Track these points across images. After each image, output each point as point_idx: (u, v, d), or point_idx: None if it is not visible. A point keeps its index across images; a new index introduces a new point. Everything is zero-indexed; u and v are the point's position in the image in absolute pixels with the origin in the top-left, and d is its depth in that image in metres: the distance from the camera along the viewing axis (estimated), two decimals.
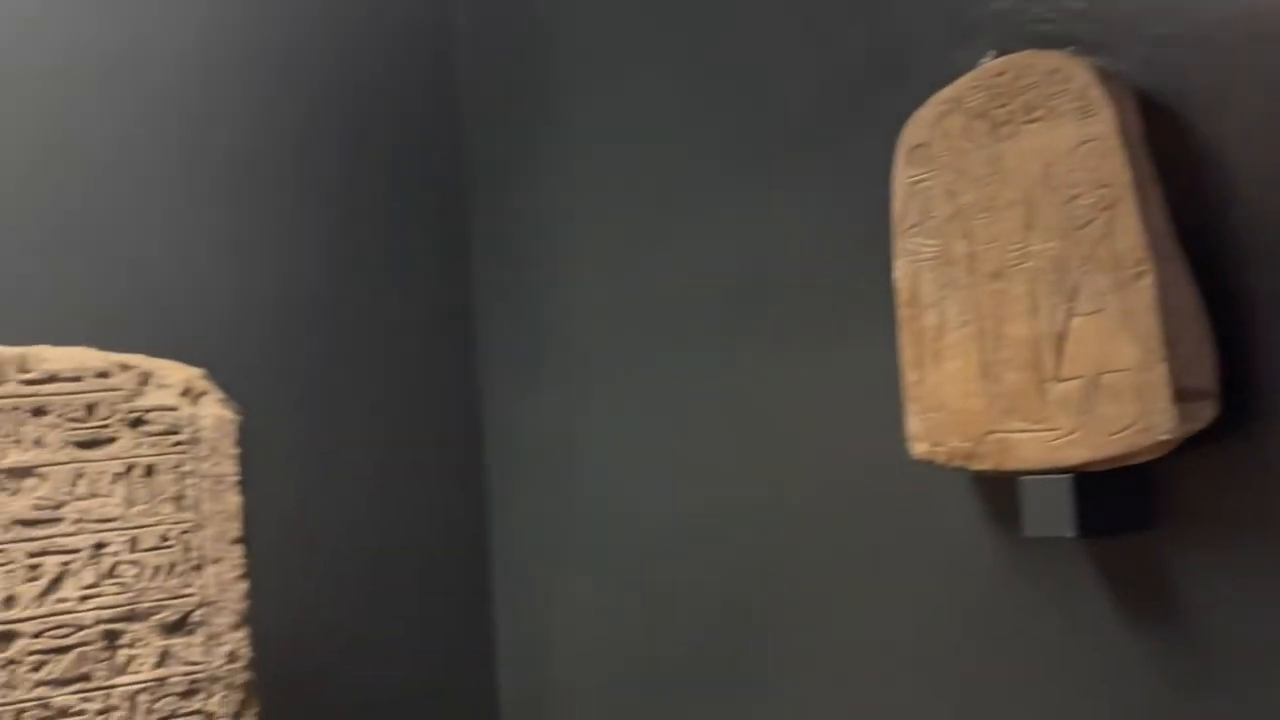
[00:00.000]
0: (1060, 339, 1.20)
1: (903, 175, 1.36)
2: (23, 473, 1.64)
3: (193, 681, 1.71)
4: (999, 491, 1.30)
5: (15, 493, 1.64)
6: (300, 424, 2.12)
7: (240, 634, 1.74)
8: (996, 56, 1.29)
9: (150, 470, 1.72)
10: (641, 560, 1.92)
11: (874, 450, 1.44)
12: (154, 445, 1.73)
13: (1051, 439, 1.21)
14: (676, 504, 1.83)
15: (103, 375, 1.71)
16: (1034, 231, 1.23)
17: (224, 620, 1.73)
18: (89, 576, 1.66)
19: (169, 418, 1.74)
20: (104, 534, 1.68)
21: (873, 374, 1.45)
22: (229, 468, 1.76)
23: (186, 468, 1.74)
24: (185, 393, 1.76)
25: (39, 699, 1.61)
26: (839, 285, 1.53)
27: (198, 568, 1.73)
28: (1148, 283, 1.14)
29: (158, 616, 1.69)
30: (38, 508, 1.64)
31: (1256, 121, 1.12)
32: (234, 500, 1.76)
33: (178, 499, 1.73)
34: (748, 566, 1.69)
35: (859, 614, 1.51)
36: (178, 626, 1.70)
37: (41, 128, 1.98)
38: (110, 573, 1.67)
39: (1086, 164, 1.18)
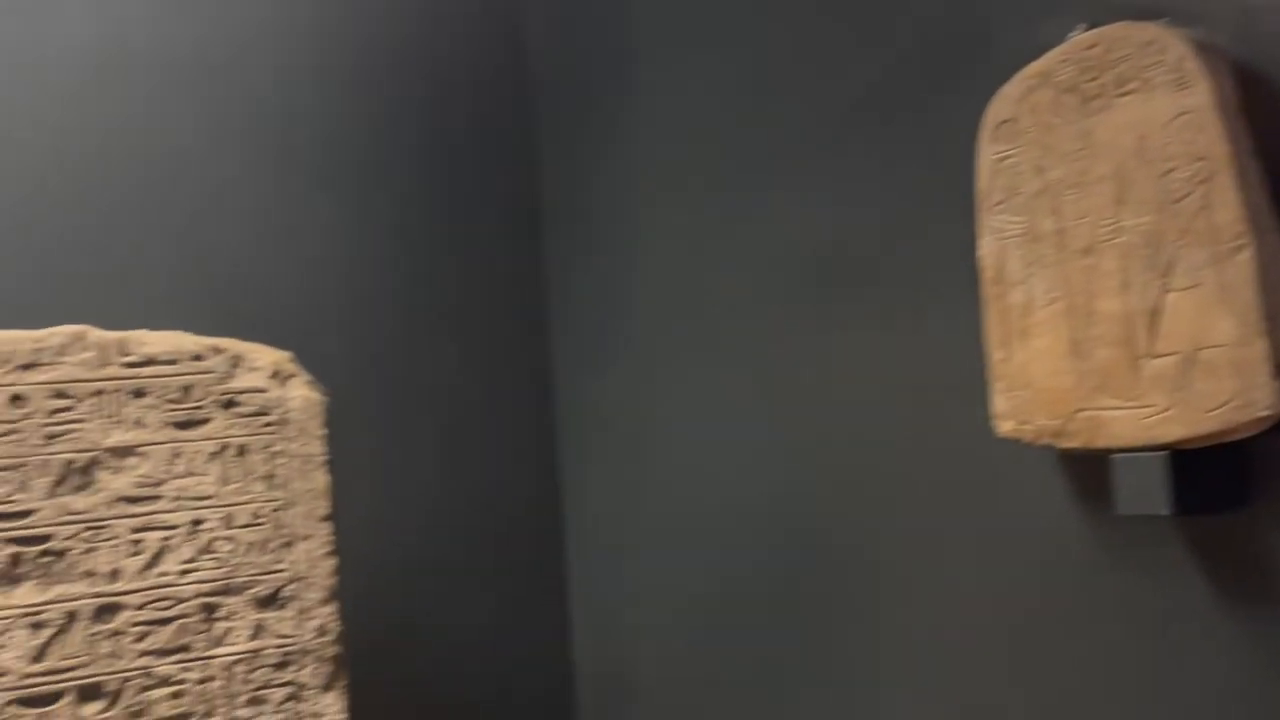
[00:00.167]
0: (1154, 314, 1.19)
1: (988, 152, 1.35)
2: (125, 452, 1.71)
3: (285, 654, 1.76)
4: (1088, 469, 1.29)
5: (118, 471, 1.70)
6: (378, 404, 2.18)
7: (329, 609, 1.79)
8: (1086, 29, 1.28)
9: (242, 450, 1.77)
10: (716, 537, 1.93)
11: (957, 429, 1.44)
12: (245, 426, 1.78)
13: (1145, 416, 1.19)
14: (751, 481, 1.84)
15: (197, 358, 1.77)
16: (1126, 206, 1.21)
17: (314, 595, 1.79)
18: (187, 552, 1.72)
19: (259, 399, 1.80)
20: (200, 511, 1.74)
21: (955, 352, 1.44)
22: (317, 448, 1.81)
23: (276, 448, 1.80)
24: (274, 375, 1.81)
25: (143, 668, 1.68)
26: (920, 263, 1.53)
27: (288, 544, 1.79)
28: (1247, 256, 1.12)
29: (252, 591, 1.75)
30: (139, 485, 1.71)
31: None
32: (322, 479, 1.81)
33: (268, 478, 1.78)
34: (825, 545, 1.69)
35: (942, 595, 1.50)
36: (270, 600, 1.76)
37: (139, 126, 2.06)
38: (207, 548, 1.73)
39: (1182, 137, 1.17)
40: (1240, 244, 1.12)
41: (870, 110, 1.61)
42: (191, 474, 1.74)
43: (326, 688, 1.78)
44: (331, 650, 1.78)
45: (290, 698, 1.75)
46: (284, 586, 1.77)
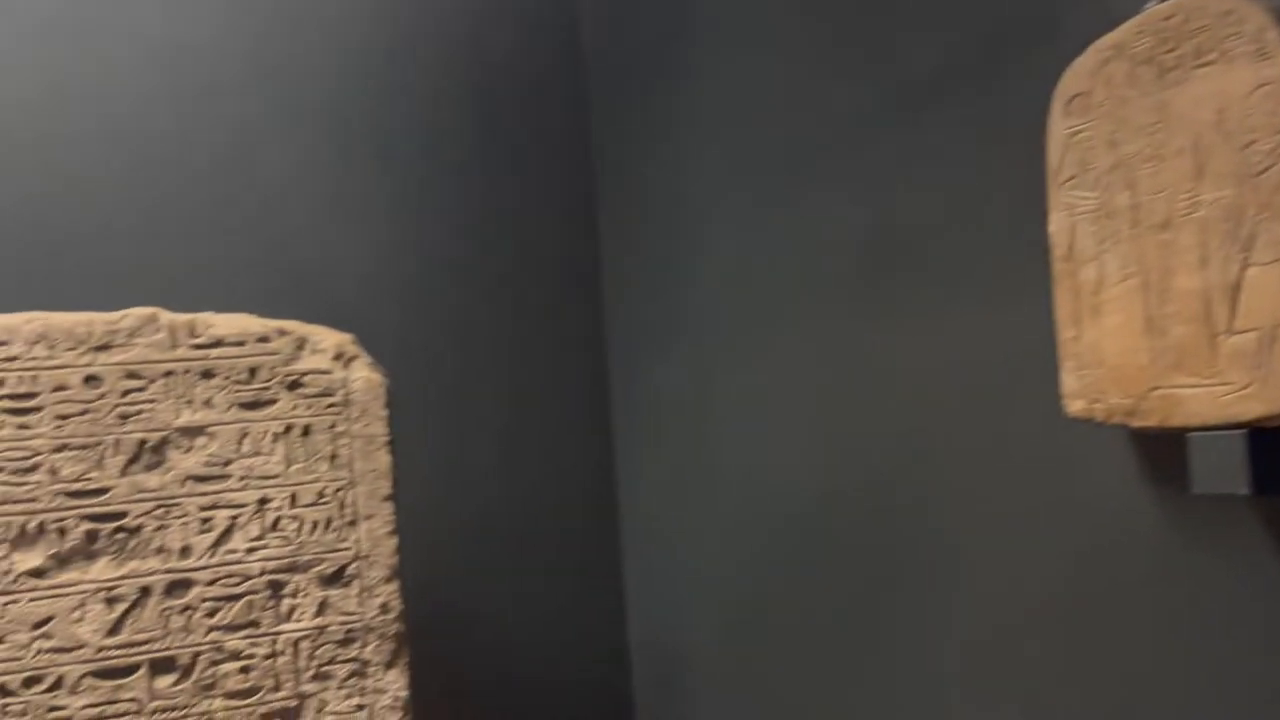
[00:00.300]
0: (1234, 290, 1.16)
1: (1059, 126, 1.33)
2: (195, 431, 1.75)
3: (349, 631, 1.79)
4: (1162, 448, 1.27)
5: (188, 450, 1.74)
6: (436, 388, 2.21)
7: (392, 587, 1.82)
8: (1162, 1, 1.25)
9: (307, 430, 1.81)
10: (772, 522, 1.93)
11: (1024, 410, 1.42)
12: (310, 407, 1.82)
13: (1223, 394, 1.17)
14: (809, 467, 1.83)
15: (263, 340, 1.80)
16: (1205, 180, 1.19)
17: (376, 574, 1.82)
18: (255, 530, 1.76)
19: (323, 380, 1.83)
20: (267, 490, 1.78)
21: (1020, 332, 1.42)
22: (379, 428, 1.84)
23: (340, 428, 1.82)
24: (337, 357, 1.84)
25: (213, 643, 1.72)
26: (985, 241, 1.51)
27: (352, 523, 1.81)
28: None
29: (317, 568, 1.79)
30: (208, 464, 1.74)
31: None
32: (384, 459, 1.84)
33: (332, 458, 1.81)
34: (886, 530, 1.68)
35: (1009, 578, 1.49)
36: (335, 578, 1.79)
37: (207, 118, 2.11)
38: (274, 527, 1.77)
39: (1264, 108, 1.14)
40: None
41: (933, 90, 1.59)
42: (258, 453, 1.78)
43: (389, 664, 1.81)
44: (394, 628, 1.81)
45: (354, 674, 1.79)
46: (348, 565, 1.80)
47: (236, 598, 1.73)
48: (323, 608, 1.78)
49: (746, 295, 1.97)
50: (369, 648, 1.80)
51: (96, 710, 1.64)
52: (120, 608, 1.67)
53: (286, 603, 1.76)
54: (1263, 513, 1.21)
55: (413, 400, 2.03)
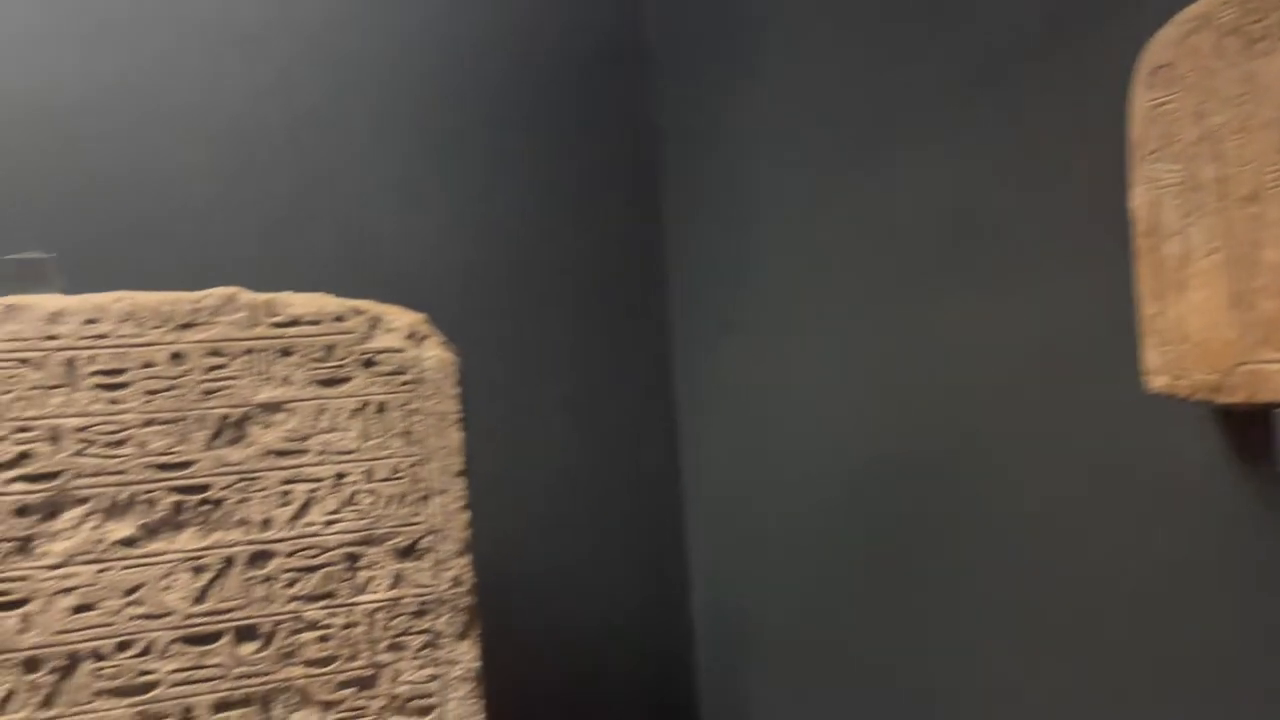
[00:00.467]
0: None
1: (1142, 98, 1.31)
2: (274, 408, 1.80)
3: (422, 603, 1.84)
4: (1247, 425, 1.25)
5: (268, 426, 1.79)
6: (505, 366, 2.26)
7: (463, 560, 1.86)
8: None
9: (382, 407, 1.85)
10: (837, 499, 1.93)
11: (1102, 387, 1.41)
12: (384, 384, 1.86)
13: None
14: (876, 442, 1.83)
15: (339, 319, 1.85)
16: None
17: (449, 547, 1.86)
18: (332, 504, 1.81)
19: (397, 359, 1.87)
20: (343, 465, 1.82)
21: (1098, 308, 1.41)
22: (451, 406, 1.88)
23: (413, 405, 1.86)
24: (410, 336, 1.88)
25: (293, 613, 1.77)
26: (1063, 217, 1.49)
27: (425, 498, 1.86)
28: None
29: (391, 542, 1.83)
30: (287, 440, 1.79)
31: None
32: (456, 436, 1.87)
33: (406, 434, 1.85)
34: (957, 506, 1.68)
35: (1089, 556, 1.48)
36: (409, 552, 1.84)
37: (284, 102, 2.17)
38: (350, 501, 1.81)
39: None
40: None
41: (1010, 64, 1.57)
42: (335, 429, 1.82)
43: (461, 636, 1.85)
44: (466, 600, 1.85)
45: (427, 645, 1.83)
46: (421, 538, 1.84)
47: (315, 569, 1.78)
48: (397, 580, 1.82)
49: (813, 272, 1.97)
50: (441, 619, 1.84)
51: (184, 675, 1.70)
52: (206, 577, 1.73)
53: (362, 575, 1.81)
54: None
55: (482, 378, 2.07)
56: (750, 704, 2.23)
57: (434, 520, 1.85)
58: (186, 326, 1.76)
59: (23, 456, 1.65)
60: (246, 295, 1.80)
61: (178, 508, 1.73)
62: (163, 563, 1.71)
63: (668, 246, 2.37)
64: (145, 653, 1.69)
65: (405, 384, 1.86)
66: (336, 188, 2.19)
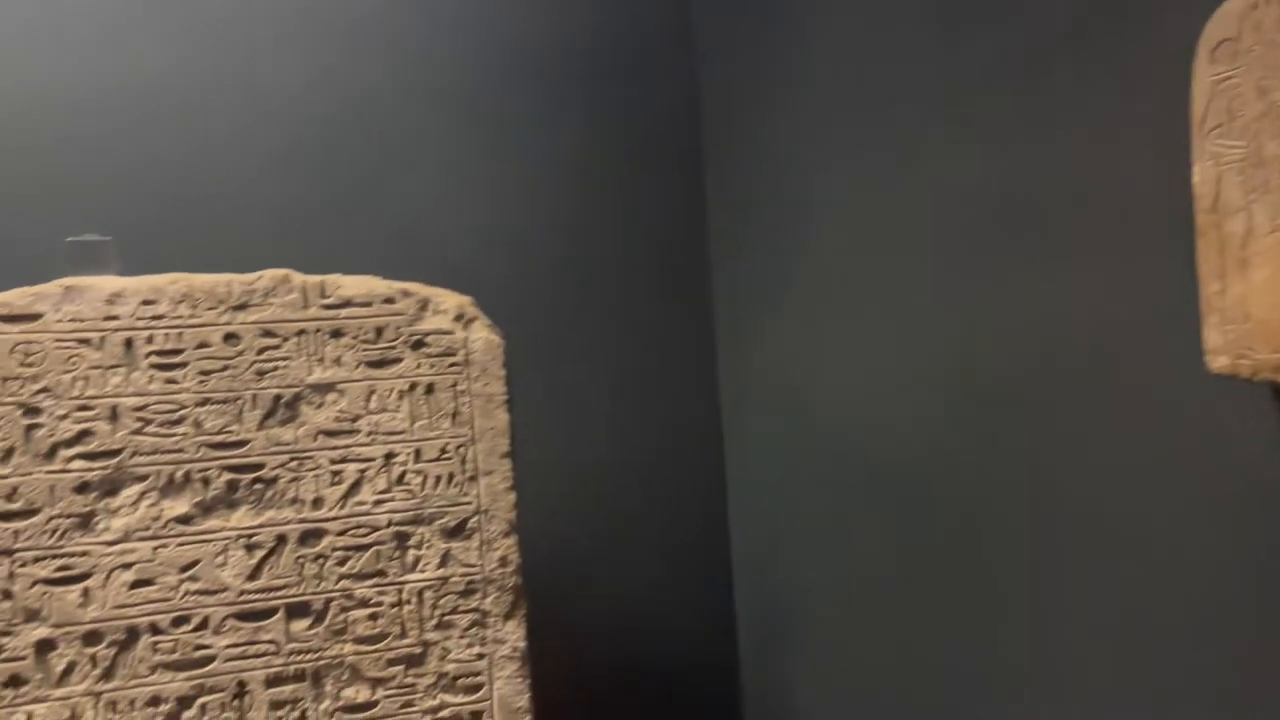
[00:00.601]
0: None
1: (1205, 74, 1.28)
2: (325, 388, 1.82)
3: (470, 582, 1.85)
4: None
5: (320, 406, 1.82)
6: (551, 348, 2.28)
7: (510, 540, 1.87)
8: None
9: (430, 389, 1.86)
10: (885, 483, 1.92)
11: (1164, 366, 1.39)
12: (433, 366, 1.87)
13: None
14: (927, 426, 1.82)
15: (388, 301, 1.87)
16: None
17: (496, 528, 1.87)
18: (382, 483, 1.83)
19: (445, 341, 1.88)
20: (393, 445, 1.84)
21: (1158, 287, 1.39)
22: (498, 387, 1.89)
23: (461, 387, 1.88)
24: (458, 318, 1.90)
25: (343, 590, 1.79)
26: (1119, 196, 1.47)
27: (473, 479, 1.87)
28: None
29: (440, 521, 1.85)
30: (338, 420, 1.82)
31: None
32: (503, 417, 1.89)
33: (454, 415, 1.87)
34: (1013, 491, 1.66)
35: (1148, 539, 1.46)
36: (457, 531, 1.85)
37: (337, 88, 2.21)
38: (399, 480, 1.84)
39: None
40: None
41: (1072, 37, 1.54)
42: (384, 410, 1.84)
43: (508, 616, 1.86)
44: (512, 580, 1.86)
45: (475, 624, 1.85)
46: (469, 519, 1.86)
47: (365, 548, 1.81)
48: (445, 559, 1.84)
49: (860, 254, 1.95)
50: (489, 599, 1.86)
51: (238, 650, 1.73)
52: (259, 554, 1.76)
53: (411, 554, 1.83)
54: None
55: (527, 361, 2.08)
56: (793, 690, 2.23)
57: (481, 500, 1.87)
58: (240, 308, 1.79)
59: (83, 434, 1.69)
60: (298, 277, 1.82)
61: (231, 486, 1.75)
62: (217, 540, 1.74)
63: (712, 232, 2.37)
64: (201, 627, 1.72)
65: (453, 365, 1.88)
66: (387, 171, 2.23)
